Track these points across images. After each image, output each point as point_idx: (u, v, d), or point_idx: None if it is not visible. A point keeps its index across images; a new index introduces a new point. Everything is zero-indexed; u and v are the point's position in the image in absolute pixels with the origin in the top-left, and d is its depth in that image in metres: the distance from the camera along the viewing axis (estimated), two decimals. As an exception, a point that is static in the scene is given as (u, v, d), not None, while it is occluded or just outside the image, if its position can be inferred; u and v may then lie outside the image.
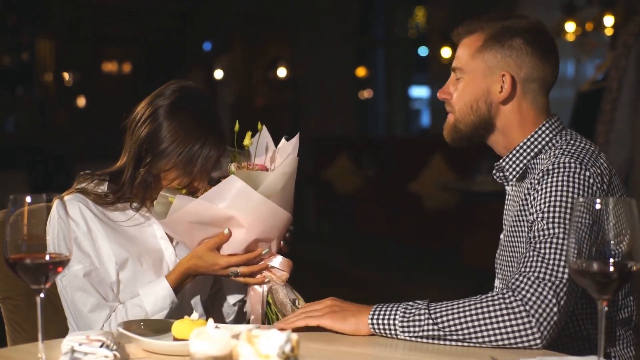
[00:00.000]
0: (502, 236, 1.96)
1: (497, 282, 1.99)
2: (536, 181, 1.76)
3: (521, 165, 1.88)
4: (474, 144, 1.98)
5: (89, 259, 1.94)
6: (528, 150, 1.87)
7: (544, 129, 1.88)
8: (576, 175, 1.73)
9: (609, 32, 6.66)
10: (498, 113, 1.88)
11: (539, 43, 1.87)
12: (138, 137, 1.97)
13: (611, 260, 1.31)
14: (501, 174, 1.95)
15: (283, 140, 2.02)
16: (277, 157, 2.00)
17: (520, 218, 1.83)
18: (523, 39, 1.85)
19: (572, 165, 1.74)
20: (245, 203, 1.84)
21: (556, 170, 1.74)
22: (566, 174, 1.73)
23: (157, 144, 1.95)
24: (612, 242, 1.32)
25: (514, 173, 1.89)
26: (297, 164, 1.94)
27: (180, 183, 1.96)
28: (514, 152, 1.89)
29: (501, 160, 1.91)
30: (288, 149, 1.97)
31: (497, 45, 1.85)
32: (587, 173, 1.74)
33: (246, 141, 1.97)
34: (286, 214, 1.92)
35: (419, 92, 13.55)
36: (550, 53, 1.89)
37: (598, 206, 1.33)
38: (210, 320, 1.30)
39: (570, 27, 7.43)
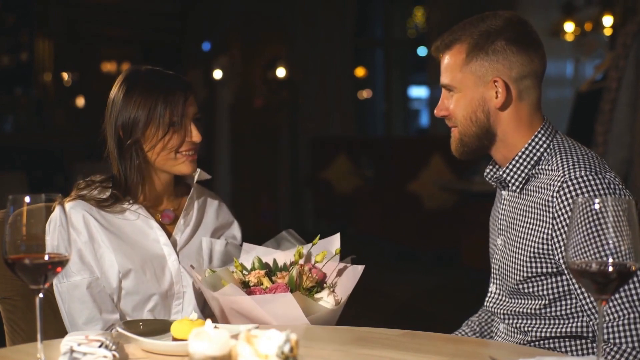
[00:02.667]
0: (499, 241, 1.95)
1: (492, 287, 1.98)
2: (556, 198, 1.75)
3: (523, 175, 1.86)
4: (481, 156, 1.97)
5: (89, 269, 1.95)
6: (528, 159, 1.86)
7: (540, 135, 1.87)
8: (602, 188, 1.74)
9: (608, 32, 6.66)
10: (497, 120, 1.87)
11: (521, 39, 1.85)
12: (111, 127, 2.02)
13: (610, 260, 1.30)
14: (499, 184, 1.94)
15: (349, 259, 1.98)
16: (341, 277, 1.95)
17: (528, 226, 1.83)
18: (504, 39, 1.83)
19: (591, 177, 1.74)
20: (292, 322, 1.81)
21: (578, 188, 1.74)
22: (591, 190, 1.73)
23: (127, 120, 2.00)
24: (611, 242, 1.31)
25: (516, 184, 1.87)
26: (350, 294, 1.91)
27: (171, 143, 2.00)
28: (514, 162, 1.87)
29: (502, 172, 1.89)
30: (349, 274, 1.93)
31: (482, 53, 1.84)
32: (606, 180, 1.75)
33: (319, 257, 1.94)
34: None
35: (418, 92, 13.56)
36: (534, 44, 1.87)
37: (597, 206, 1.33)
38: (209, 320, 1.30)
39: (569, 27, 7.43)
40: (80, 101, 10.84)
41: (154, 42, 11.58)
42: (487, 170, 1.99)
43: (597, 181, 1.74)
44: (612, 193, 1.74)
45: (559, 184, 1.76)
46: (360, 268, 1.92)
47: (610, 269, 1.30)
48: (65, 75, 10.55)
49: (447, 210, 7.79)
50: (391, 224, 8.08)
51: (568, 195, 1.74)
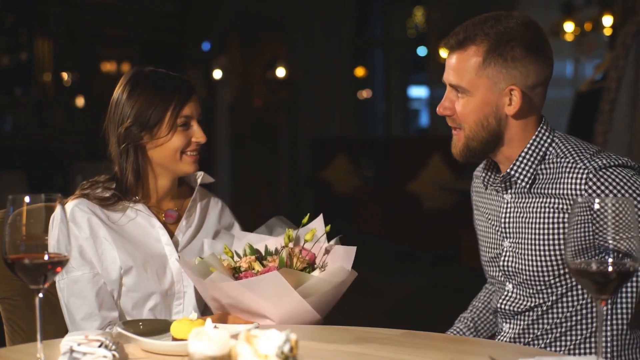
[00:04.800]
0: (507, 243, 1.94)
1: (509, 286, 1.96)
2: (584, 190, 1.76)
3: (531, 171, 1.86)
4: (482, 159, 1.97)
5: (89, 265, 1.96)
6: (535, 155, 1.86)
7: (542, 132, 1.87)
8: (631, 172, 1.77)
9: (607, 32, 6.66)
10: (507, 125, 1.85)
11: (538, 46, 1.82)
12: (114, 127, 2.03)
13: (610, 260, 1.30)
14: (503, 184, 1.93)
15: (336, 239, 1.99)
16: (329, 256, 1.96)
17: (551, 225, 1.83)
18: (524, 47, 1.80)
19: (617, 162, 1.77)
20: (281, 298, 1.81)
21: (612, 176, 1.75)
22: (624, 175, 1.75)
23: (131, 120, 2.01)
24: (611, 241, 1.31)
25: (526, 180, 1.87)
26: (352, 279, 1.91)
27: (176, 143, 2.02)
28: (520, 159, 1.86)
29: (509, 170, 1.88)
30: (340, 254, 1.94)
31: (500, 59, 1.80)
32: (628, 163, 1.77)
33: (308, 236, 1.96)
34: (317, 317, 1.88)
35: (418, 92, 13.56)
36: (548, 53, 1.85)
37: (597, 206, 1.33)
38: (209, 320, 1.30)
39: (569, 27, 7.43)
40: (80, 101, 10.82)
41: (154, 42, 11.56)
42: (484, 174, 1.99)
43: (619, 161, 1.77)
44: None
45: (584, 174, 1.77)
46: (352, 249, 1.92)
47: (610, 269, 1.30)
48: (65, 75, 10.54)
49: (447, 210, 7.79)
50: (391, 224, 8.08)
51: (599, 184, 1.75)
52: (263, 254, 1.97)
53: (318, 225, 1.99)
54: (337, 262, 1.93)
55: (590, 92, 5.66)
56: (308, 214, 2.01)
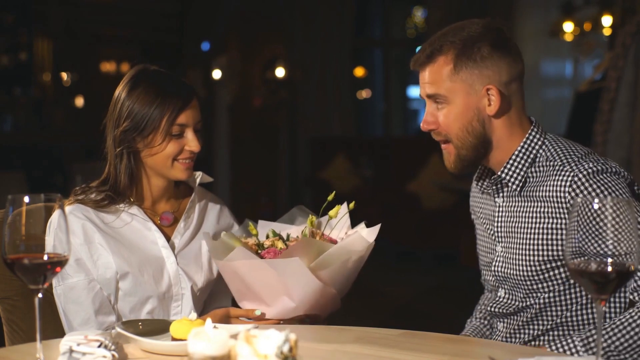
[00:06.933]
0: (499, 248, 1.94)
1: (501, 292, 1.97)
2: (568, 192, 1.76)
3: (522, 174, 1.86)
4: (476, 168, 1.97)
5: (84, 271, 1.95)
6: (525, 157, 1.86)
7: (533, 134, 1.88)
8: (619, 177, 1.77)
9: (607, 32, 6.67)
10: (492, 127, 1.86)
11: (502, 43, 1.85)
12: (112, 125, 2.02)
13: (609, 260, 1.30)
14: (495, 187, 1.94)
15: (362, 224, 2.00)
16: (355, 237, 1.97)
17: (539, 229, 1.83)
18: (489, 45, 1.82)
19: (599, 168, 1.76)
20: (299, 279, 1.82)
21: (599, 179, 1.75)
22: (608, 181, 1.75)
23: (128, 121, 1.99)
24: (610, 241, 1.31)
25: (517, 183, 1.87)
26: (370, 251, 1.92)
27: (169, 150, 1.99)
28: (511, 161, 1.87)
29: (500, 172, 1.89)
30: (367, 234, 1.95)
31: (470, 62, 1.82)
32: (614, 169, 1.78)
33: (332, 213, 1.97)
34: (338, 303, 1.91)
35: (417, 92, 13.56)
36: (515, 49, 1.87)
37: (597, 206, 1.33)
38: (209, 320, 1.30)
39: (568, 27, 7.43)
40: (80, 101, 10.82)
41: (153, 42, 11.56)
42: (479, 180, 2.00)
43: (607, 167, 1.77)
44: (620, 174, 1.77)
45: (569, 178, 1.76)
46: (377, 227, 1.94)
47: (610, 268, 1.30)
48: (64, 75, 10.54)
49: (446, 210, 7.79)
50: (390, 223, 8.08)
51: (582, 188, 1.75)
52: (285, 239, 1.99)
53: (341, 209, 2.01)
54: (362, 236, 1.93)
55: (590, 92, 5.66)
56: (334, 191, 2.03)
